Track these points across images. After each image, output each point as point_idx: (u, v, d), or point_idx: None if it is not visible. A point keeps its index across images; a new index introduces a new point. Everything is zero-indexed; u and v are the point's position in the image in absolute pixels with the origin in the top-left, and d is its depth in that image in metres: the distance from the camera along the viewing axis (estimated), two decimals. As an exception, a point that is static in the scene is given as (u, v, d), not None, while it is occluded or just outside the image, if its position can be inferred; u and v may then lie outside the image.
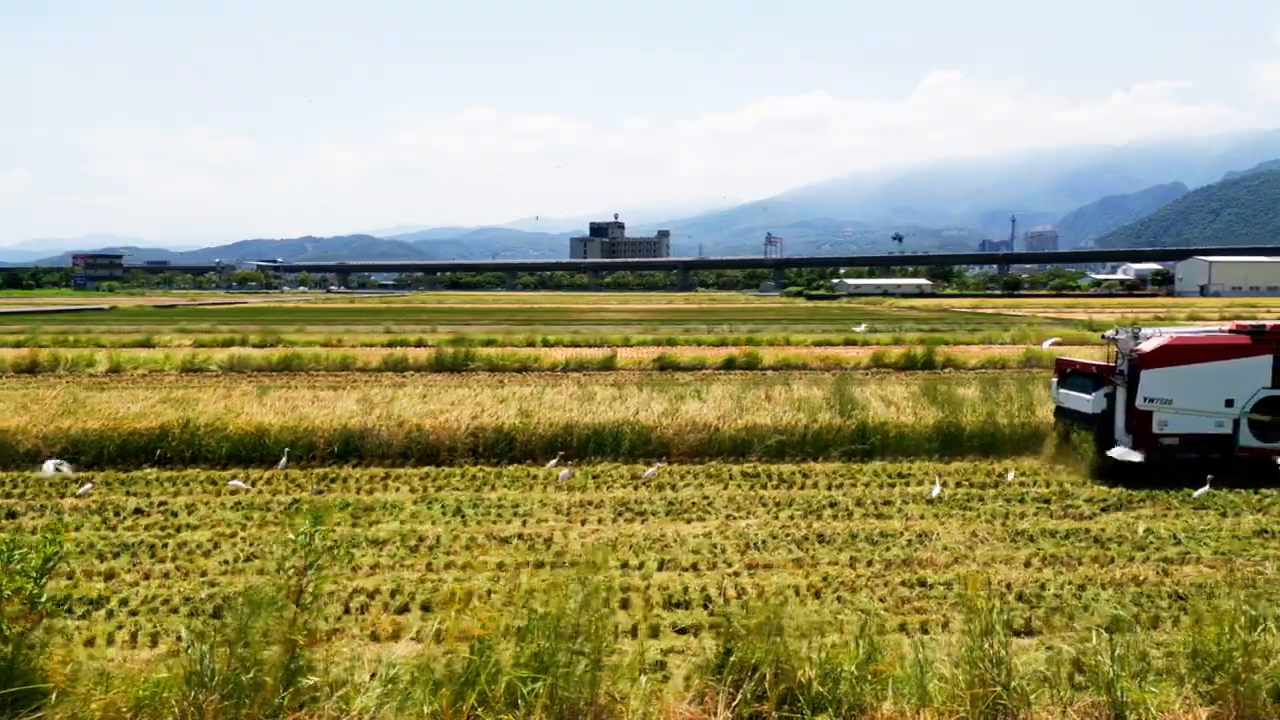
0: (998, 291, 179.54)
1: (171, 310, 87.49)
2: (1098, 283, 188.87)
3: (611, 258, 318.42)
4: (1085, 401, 15.99)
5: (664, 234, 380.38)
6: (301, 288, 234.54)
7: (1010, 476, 15.22)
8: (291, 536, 6.51)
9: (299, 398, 19.60)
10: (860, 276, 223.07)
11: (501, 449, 16.55)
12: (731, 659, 6.47)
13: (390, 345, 41.37)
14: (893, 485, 14.82)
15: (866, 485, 14.83)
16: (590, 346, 40.55)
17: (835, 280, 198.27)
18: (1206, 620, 6.76)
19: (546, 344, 43.35)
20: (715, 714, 6.32)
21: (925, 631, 8.63)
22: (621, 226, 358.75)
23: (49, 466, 14.51)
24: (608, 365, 33.19)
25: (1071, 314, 73.03)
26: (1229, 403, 15.29)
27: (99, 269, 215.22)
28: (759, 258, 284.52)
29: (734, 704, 6.32)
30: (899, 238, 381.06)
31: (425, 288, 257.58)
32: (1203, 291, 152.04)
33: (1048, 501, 13.77)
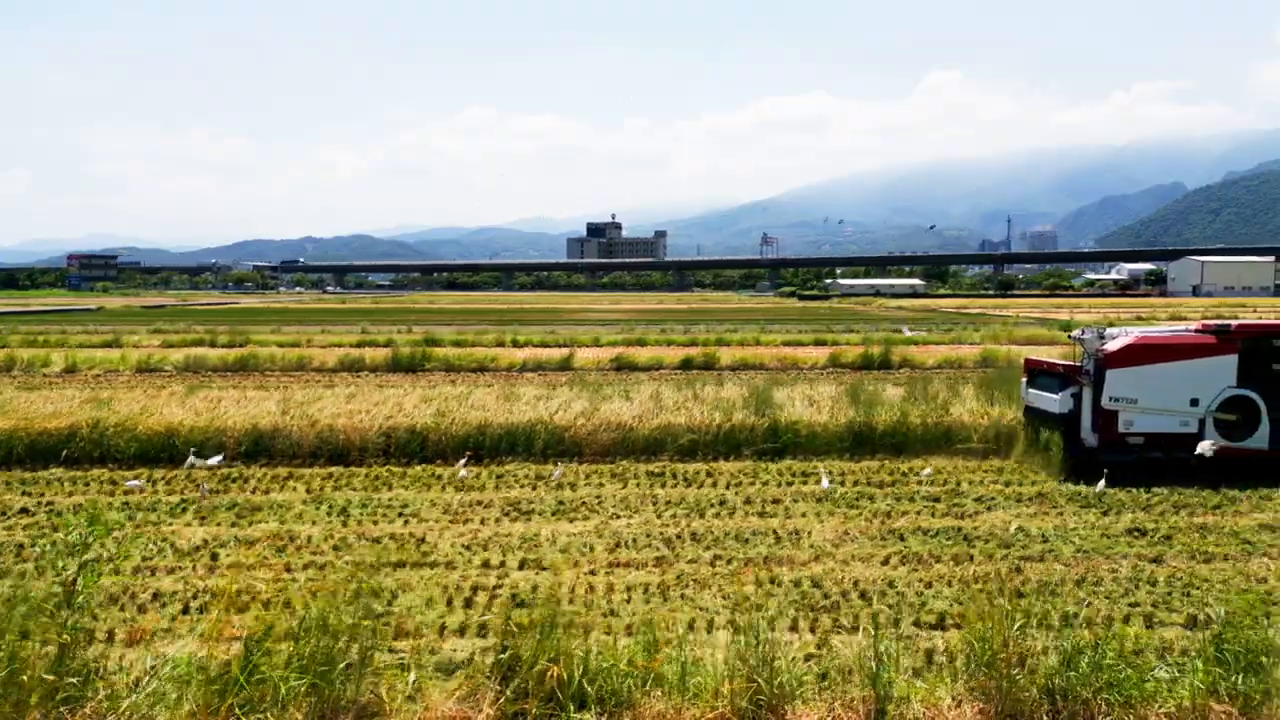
0: (991, 291, 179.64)
1: (159, 310, 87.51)
2: (1091, 283, 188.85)
3: (609, 258, 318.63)
4: (1053, 401, 16.09)
5: (661, 234, 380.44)
6: (298, 288, 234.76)
7: (927, 473, 15.40)
8: (63, 536, 6.58)
9: (226, 397, 19.66)
10: (857, 277, 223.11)
11: (413, 449, 16.62)
12: (503, 656, 6.56)
13: (359, 345, 41.42)
14: (791, 484, 14.89)
15: (765, 483, 14.90)
16: (559, 346, 40.57)
17: (829, 281, 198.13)
18: (986, 619, 6.82)
19: (516, 344, 43.46)
20: (480, 711, 6.40)
21: (735, 630, 8.68)
22: (619, 227, 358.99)
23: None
24: (565, 365, 33.26)
25: (1057, 314, 73.09)
26: (1194, 402, 15.40)
27: (94, 269, 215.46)
28: (755, 258, 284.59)
29: (499, 701, 6.40)
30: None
31: (422, 288, 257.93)
32: (1195, 292, 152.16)
33: (937, 500, 13.83)
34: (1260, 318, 56.44)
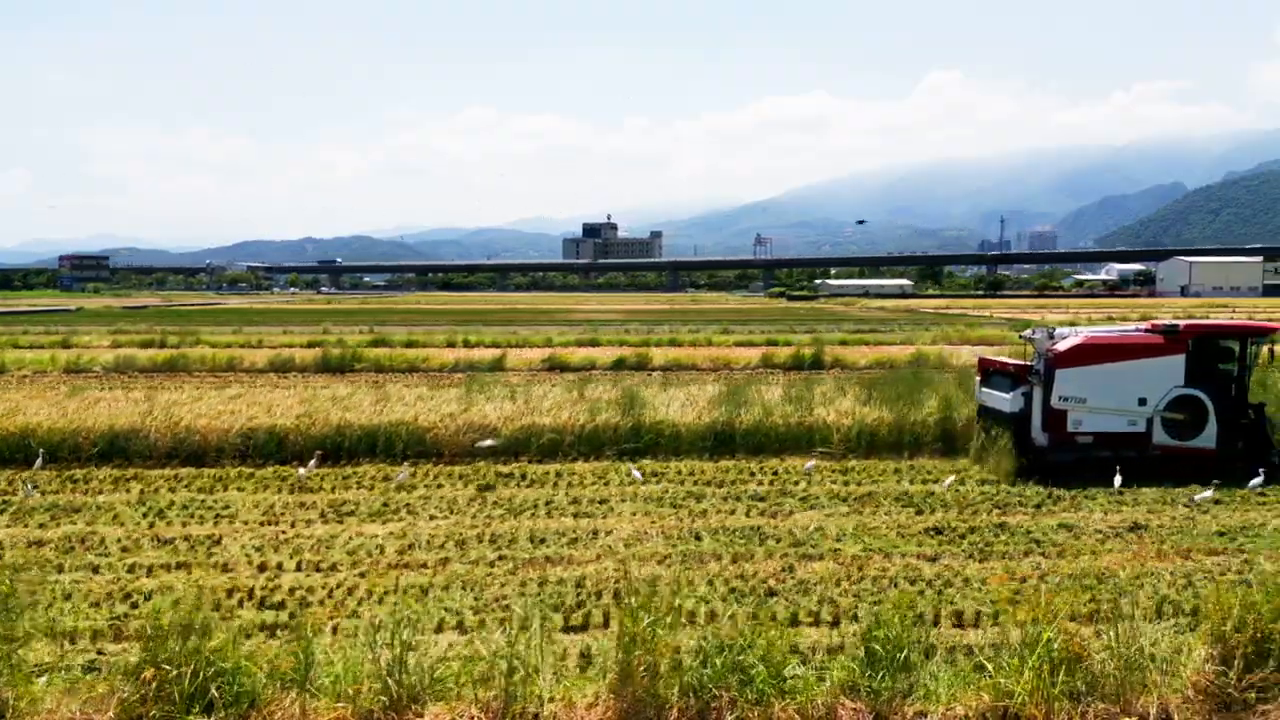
0: (980, 292, 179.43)
1: (139, 311, 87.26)
2: (1081, 283, 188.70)
3: (604, 258, 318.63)
4: (1004, 400, 16.23)
5: (656, 235, 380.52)
6: (291, 289, 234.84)
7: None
8: None
9: (108, 398, 19.72)
10: (851, 277, 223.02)
11: (270, 450, 16.66)
12: (133, 660, 6.58)
13: (309, 346, 41.41)
14: (631, 484, 14.93)
15: (607, 483, 14.94)
16: (515, 347, 40.57)
17: (818, 281, 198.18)
18: (636, 618, 6.85)
19: (467, 344, 43.55)
20: (104, 715, 6.42)
21: (464, 630, 8.74)
22: (614, 227, 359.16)
23: None
24: (497, 366, 33.27)
25: (1030, 314, 72.95)
26: (1142, 401, 15.53)
27: (86, 270, 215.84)
28: (749, 258, 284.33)
29: (124, 704, 6.43)
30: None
31: (417, 289, 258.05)
32: (1183, 292, 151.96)
33: (763, 499, 13.88)
34: (1237, 316, 56.36)
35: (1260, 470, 14.66)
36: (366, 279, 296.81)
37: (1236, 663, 6.72)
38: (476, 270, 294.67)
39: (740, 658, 6.62)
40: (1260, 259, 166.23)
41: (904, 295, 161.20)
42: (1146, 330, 16.52)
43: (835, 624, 9.06)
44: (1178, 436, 15.56)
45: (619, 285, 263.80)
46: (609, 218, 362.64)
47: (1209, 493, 13.89)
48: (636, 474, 14.96)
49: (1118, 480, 14.49)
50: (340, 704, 6.42)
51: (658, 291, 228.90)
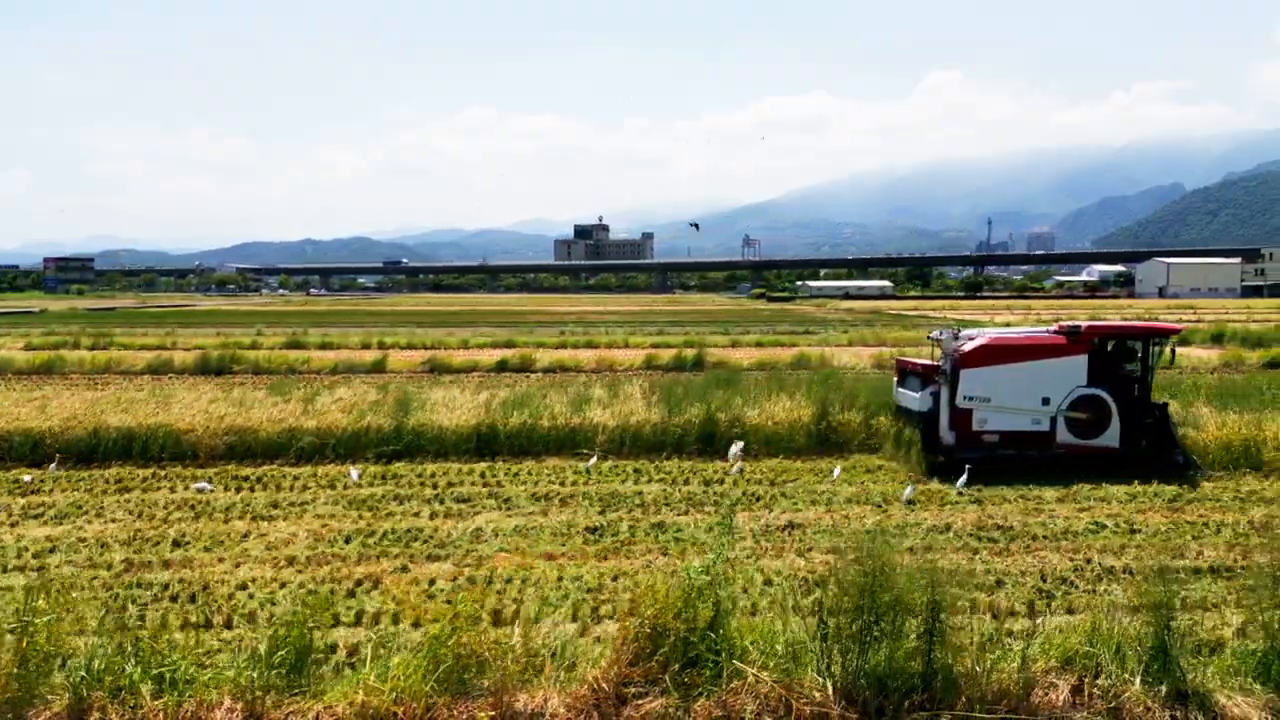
0: (961, 293, 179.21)
1: (105, 314, 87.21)
2: (1061, 284, 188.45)
3: (596, 259, 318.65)
4: (914, 400, 16.55)
5: (648, 236, 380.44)
6: (281, 290, 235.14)
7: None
8: None
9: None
10: (840, 278, 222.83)
11: (21, 453, 16.67)
12: None
13: (223, 347, 41.31)
14: (426, 485, 15.01)
15: (322, 486, 14.95)
16: (424, 349, 40.63)
17: (799, 283, 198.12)
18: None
19: (382, 346, 43.49)
20: None
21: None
22: (605, 229, 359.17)
23: None
24: (378, 368, 33.36)
25: (1001, 315, 72.55)
26: (1046, 401, 15.77)
27: (70, 272, 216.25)
28: (737, 260, 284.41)
29: None
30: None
31: (408, 290, 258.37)
32: (1161, 293, 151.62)
33: (467, 500, 13.88)
34: (1204, 316, 56.27)
35: (967, 467, 14.74)
36: (361, 280, 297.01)
37: (624, 657, 6.74)
38: (467, 272, 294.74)
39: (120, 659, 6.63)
40: (1238, 260, 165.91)
41: (883, 296, 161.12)
42: (1055, 331, 16.82)
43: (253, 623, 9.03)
44: (1081, 435, 15.83)
45: (610, 287, 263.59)
46: (600, 219, 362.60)
47: (909, 490, 14.02)
48: (354, 475, 14.97)
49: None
50: None
51: (646, 293, 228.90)
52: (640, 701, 6.66)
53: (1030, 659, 6.93)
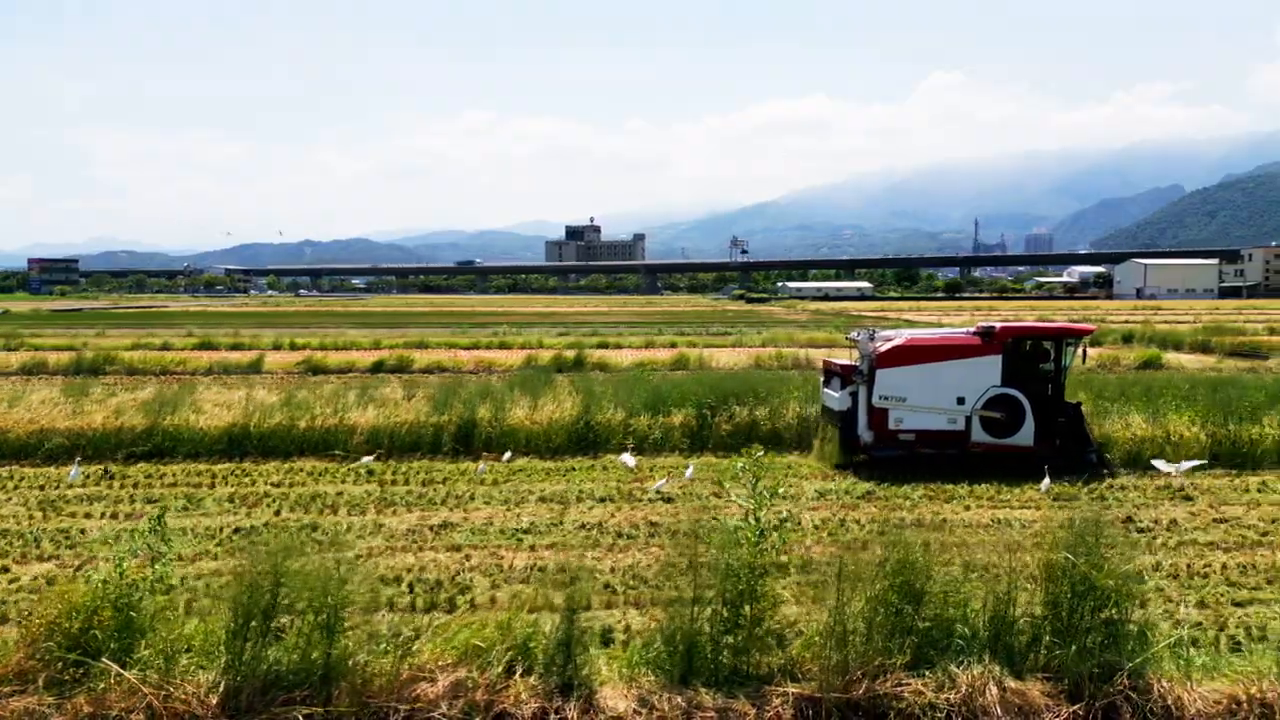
0: (940, 295, 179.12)
1: (62, 314, 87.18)
2: (1040, 285, 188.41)
3: (587, 260, 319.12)
4: (834, 399, 16.66)
5: (639, 237, 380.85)
6: (270, 291, 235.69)
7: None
8: None
9: None
10: (828, 280, 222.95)
11: None
12: None
13: (133, 348, 41.03)
14: (140, 486, 15.00)
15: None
16: (338, 349, 40.50)
17: (779, 284, 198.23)
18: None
19: (294, 347, 43.37)
20: None
21: None
22: (597, 230, 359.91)
23: None
24: (255, 368, 33.24)
25: (977, 316, 72.02)
26: (960, 400, 15.91)
27: (55, 273, 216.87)
28: (725, 261, 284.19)
29: None
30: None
31: (397, 290, 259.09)
32: (1139, 294, 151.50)
33: (154, 501, 13.77)
34: (1182, 316, 56.00)
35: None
36: (354, 281, 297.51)
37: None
38: (455, 273, 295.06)
39: None
40: (1215, 261, 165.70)
41: (860, 298, 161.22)
42: (969, 332, 16.94)
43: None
44: (995, 434, 15.92)
45: (600, 288, 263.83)
46: (592, 219, 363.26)
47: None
48: (73, 475, 14.82)
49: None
50: None
51: (634, 294, 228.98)
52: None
53: (417, 653, 6.91)
